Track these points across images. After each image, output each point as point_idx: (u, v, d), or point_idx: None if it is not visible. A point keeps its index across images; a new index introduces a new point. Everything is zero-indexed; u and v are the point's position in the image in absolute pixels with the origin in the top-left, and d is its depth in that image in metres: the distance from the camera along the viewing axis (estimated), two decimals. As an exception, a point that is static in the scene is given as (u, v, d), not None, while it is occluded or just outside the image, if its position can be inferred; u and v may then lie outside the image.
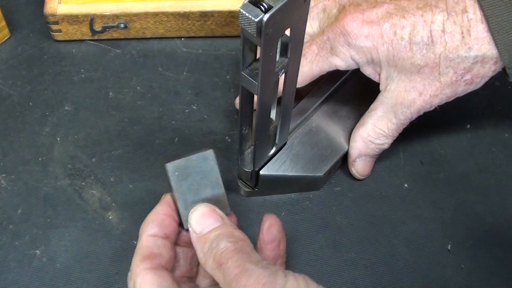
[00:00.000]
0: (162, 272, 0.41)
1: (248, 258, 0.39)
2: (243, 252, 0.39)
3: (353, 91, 0.56)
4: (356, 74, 0.56)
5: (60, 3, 0.62)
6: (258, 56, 0.40)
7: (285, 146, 0.53)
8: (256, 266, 0.38)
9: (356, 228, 0.53)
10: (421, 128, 0.59)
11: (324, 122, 0.55)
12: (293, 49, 0.41)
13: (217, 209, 0.43)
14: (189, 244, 0.44)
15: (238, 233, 0.41)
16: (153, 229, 0.43)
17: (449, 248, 0.53)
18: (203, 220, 0.42)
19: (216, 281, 0.40)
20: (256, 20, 0.36)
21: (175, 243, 0.45)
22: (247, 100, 0.46)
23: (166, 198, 0.44)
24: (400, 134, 0.59)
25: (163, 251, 0.42)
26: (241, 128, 0.48)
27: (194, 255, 0.44)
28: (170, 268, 0.43)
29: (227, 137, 0.58)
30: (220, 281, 0.39)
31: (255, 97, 0.43)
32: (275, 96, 0.48)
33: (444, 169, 0.57)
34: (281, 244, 0.45)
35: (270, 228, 0.45)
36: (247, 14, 0.36)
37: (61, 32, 0.63)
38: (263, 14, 0.35)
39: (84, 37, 0.64)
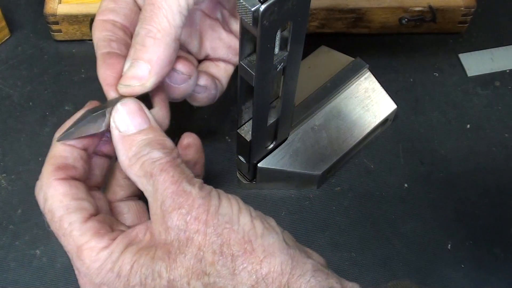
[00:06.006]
0: (76, 183, 0.38)
1: (183, 174, 0.37)
2: (178, 166, 0.37)
3: (359, 93, 0.56)
4: (362, 77, 0.57)
5: (60, 3, 0.62)
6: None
7: (285, 142, 0.53)
8: (193, 186, 0.36)
9: (356, 228, 0.53)
10: (421, 128, 0.59)
11: (327, 122, 0.55)
12: (292, 43, 0.41)
13: (146, 109, 0.39)
14: (107, 155, 0.42)
15: (169, 142, 0.39)
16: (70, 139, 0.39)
17: (449, 247, 0.53)
18: (130, 118, 0.38)
19: (133, 191, 0.39)
20: (253, 9, 0.35)
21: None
22: (247, 91, 0.46)
23: (90, 104, 0.41)
24: (400, 134, 0.59)
25: (78, 164, 0.39)
26: (240, 118, 0.48)
27: (109, 166, 0.43)
28: (84, 180, 0.40)
29: (227, 137, 0.58)
30: (148, 191, 0.37)
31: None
32: (274, 89, 0.48)
33: (444, 169, 0.57)
34: (197, 164, 0.45)
35: (188, 148, 0.44)
36: (244, 3, 0.35)
37: (61, 32, 0.63)
38: (260, 4, 0.35)
39: (84, 37, 0.64)
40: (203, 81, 0.45)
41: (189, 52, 0.46)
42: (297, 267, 0.35)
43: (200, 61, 0.48)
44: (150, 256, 0.36)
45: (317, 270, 0.36)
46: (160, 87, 0.42)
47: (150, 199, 0.37)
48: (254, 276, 0.35)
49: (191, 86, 0.44)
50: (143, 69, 0.39)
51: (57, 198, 0.38)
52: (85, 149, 0.40)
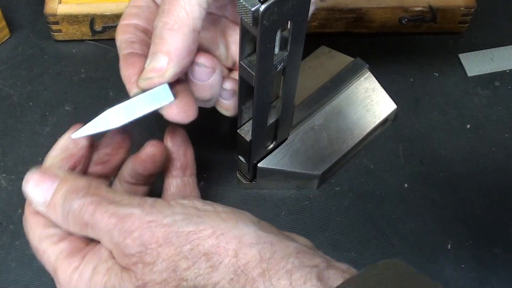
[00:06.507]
0: None
1: (114, 202, 0.36)
2: (102, 198, 0.36)
3: (359, 93, 0.56)
4: (362, 77, 0.57)
5: (60, 3, 0.62)
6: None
7: (285, 141, 0.53)
8: (131, 207, 0.36)
9: (356, 228, 0.53)
10: (421, 128, 0.59)
11: (327, 122, 0.55)
12: (292, 43, 0.41)
13: (47, 168, 0.39)
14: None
15: (82, 182, 0.38)
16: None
17: (449, 247, 0.53)
18: (40, 188, 0.38)
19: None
20: (253, 9, 0.35)
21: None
22: (247, 91, 0.46)
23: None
24: (400, 134, 0.59)
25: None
26: (240, 118, 0.48)
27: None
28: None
29: (227, 137, 0.58)
30: (95, 237, 0.37)
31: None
32: (274, 89, 0.48)
33: (444, 169, 0.57)
34: (187, 152, 0.45)
35: (173, 137, 0.44)
36: (244, 3, 0.35)
37: (61, 32, 0.63)
38: (260, 4, 0.35)
39: (84, 37, 0.64)
40: (229, 85, 0.45)
41: None
42: (278, 251, 0.35)
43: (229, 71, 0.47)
44: (118, 277, 0.35)
45: (301, 251, 0.35)
46: (182, 81, 0.42)
47: (102, 242, 0.37)
48: (232, 268, 0.34)
49: (217, 83, 0.43)
50: (162, 61, 0.39)
51: (31, 230, 0.39)
52: (74, 168, 0.41)
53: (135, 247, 0.35)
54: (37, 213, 0.39)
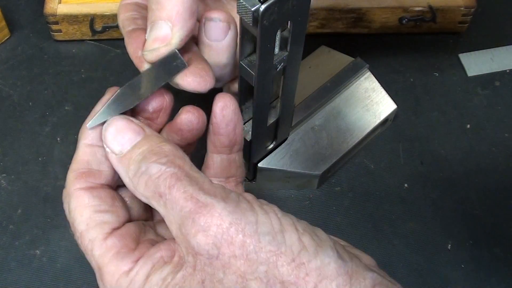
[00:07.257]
0: (100, 192, 0.35)
1: (197, 184, 0.32)
2: (186, 176, 0.32)
3: (359, 93, 0.56)
4: (362, 77, 0.57)
5: (60, 3, 0.62)
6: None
7: (285, 141, 0.53)
8: (214, 198, 0.31)
9: (356, 228, 0.53)
10: (421, 128, 0.59)
11: (327, 122, 0.55)
12: (293, 43, 0.41)
13: (134, 120, 0.35)
14: None
15: (168, 147, 0.34)
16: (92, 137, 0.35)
17: (449, 247, 0.53)
18: (121, 136, 0.34)
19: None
20: (253, 9, 0.35)
21: None
22: (247, 91, 0.46)
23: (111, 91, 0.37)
24: (400, 134, 0.59)
25: (104, 167, 0.35)
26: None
27: None
28: (114, 183, 0.36)
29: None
30: (161, 212, 0.33)
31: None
32: (274, 89, 0.48)
33: (444, 169, 0.57)
34: (237, 127, 0.39)
35: (224, 109, 0.38)
36: (244, 3, 0.35)
37: (61, 32, 0.63)
38: (260, 4, 0.35)
39: (84, 37, 0.64)
40: (222, 15, 0.40)
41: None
42: (355, 284, 0.31)
43: None
44: (179, 285, 0.32)
45: (377, 284, 0.32)
46: (191, 48, 0.39)
47: (166, 221, 0.33)
48: None
49: (234, 42, 0.40)
50: (164, 28, 0.36)
51: (78, 211, 0.34)
52: None
53: (207, 247, 0.31)
54: (90, 190, 0.34)
